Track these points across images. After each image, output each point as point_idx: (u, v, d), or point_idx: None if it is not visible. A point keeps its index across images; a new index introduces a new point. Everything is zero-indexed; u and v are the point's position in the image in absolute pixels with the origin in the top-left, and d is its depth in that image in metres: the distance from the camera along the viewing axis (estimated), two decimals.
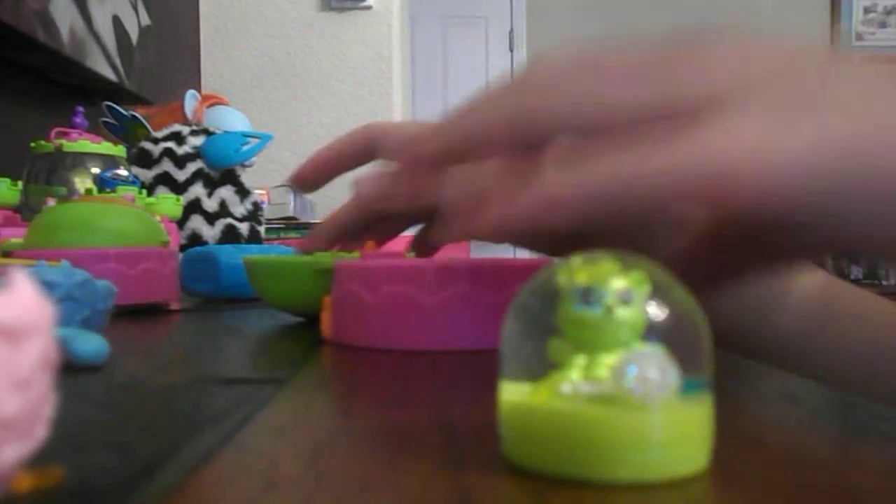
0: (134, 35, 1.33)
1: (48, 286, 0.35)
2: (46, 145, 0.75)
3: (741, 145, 0.19)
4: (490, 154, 0.23)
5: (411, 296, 0.34)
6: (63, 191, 0.73)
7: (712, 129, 0.19)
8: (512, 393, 0.19)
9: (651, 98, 0.21)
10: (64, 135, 0.77)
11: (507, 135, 0.22)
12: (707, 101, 0.20)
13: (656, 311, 0.18)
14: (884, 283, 3.11)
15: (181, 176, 0.85)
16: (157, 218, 0.65)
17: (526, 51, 3.51)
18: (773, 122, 0.19)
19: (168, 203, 0.75)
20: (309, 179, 0.43)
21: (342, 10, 1.93)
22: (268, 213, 1.28)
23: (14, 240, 0.58)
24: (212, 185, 0.87)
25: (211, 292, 0.65)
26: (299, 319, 0.49)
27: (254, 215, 0.90)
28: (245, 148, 0.88)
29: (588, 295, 0.18)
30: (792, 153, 0.19)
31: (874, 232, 0.21)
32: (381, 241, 0.44)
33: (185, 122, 0.97)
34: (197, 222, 0.84)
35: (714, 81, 0.20)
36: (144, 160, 0.87)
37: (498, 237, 0.22)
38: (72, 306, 0.36)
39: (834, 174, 0.19)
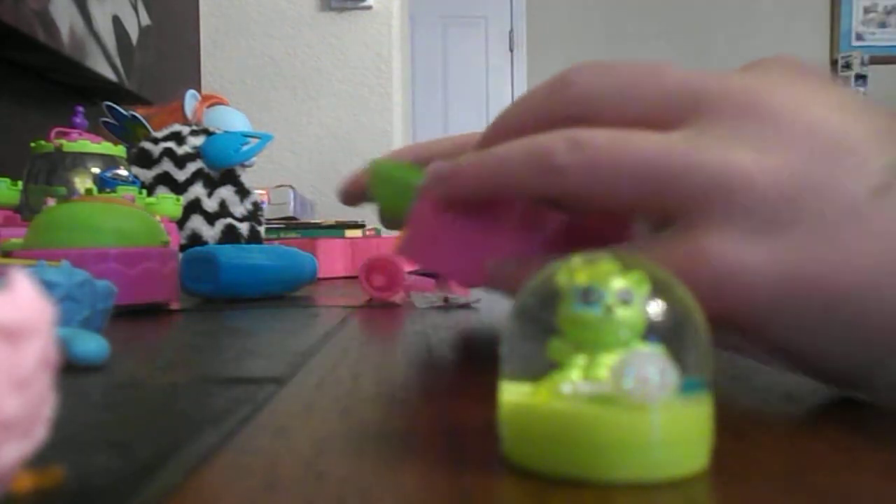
0: (134, 35, 1.33)
1: (48, 286, 0.35)
2: (46, 145, 0.75)
3: (727, 261, 0.20)
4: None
5: (480, 234, 0.29)
6: (63, 191, 0.73)
7: (695, 244, 0.20)
8: (512, 393, 0.19)
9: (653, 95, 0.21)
10: (64, 135, 0.77)
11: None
12: (688, 115, 0.20)
13: (656, 311, 0.18)
14: None
15: (181, 176, 0.85)
16: (157, 218, 0.65)
17: (526, 51, 3.50)
18: (749, 235, 0.19)
19: (168, 203, 0.75)
20: (352, 195, 0.42)
21: (342, 10, 1.93)
22: (268, 213, 1.28)
23: (14, 240, 0.58)
24: (212, 185, 0.87)
25: (211, 292, 0.65)
26: (299, 319, 0.50)
27: (254, 215, 0.90)
28: (245, 148, 0.88)
29: (588, 295, 0.18)
30: (763, 267, 0.19)
31: (801, 343, 0.21)
32: None
33: (185, 122, 0.97)
34: (197, 222, 0.84)
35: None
36: (144, 160, 0.87)
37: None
38: (72, 306, 0.36)
39: (802, 287, 0.20)
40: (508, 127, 0.25)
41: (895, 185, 0.19)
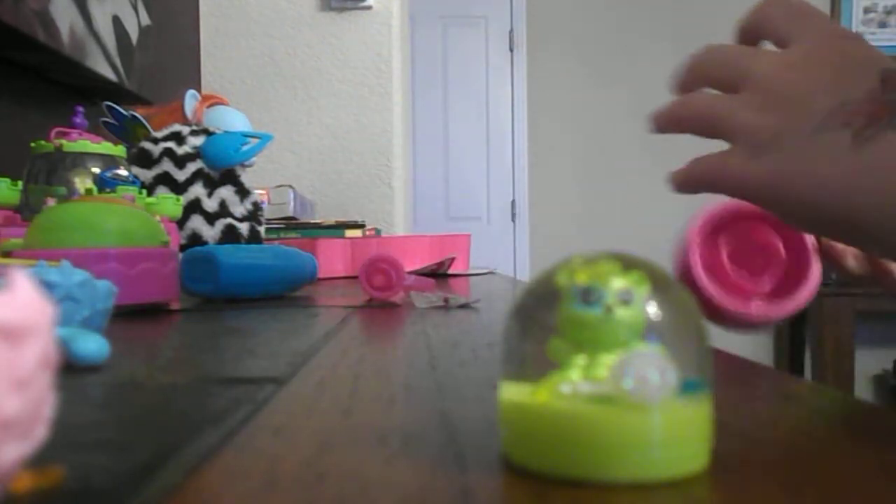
0: (134, 35, 1.33)
1: (48, 286, 0.35)
2: (46, 145, 0.75)
3: (730, 166, 0.34)
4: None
5: None
6: (63, 191, 0.73)
7: (718, 159, 0.34)
8: (512, 393, 0.19)
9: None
10: (64, 135, 0.77)
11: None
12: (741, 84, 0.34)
13: (656, 311, 0.18)
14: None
15: (181, 176, 0.85)
16: (157, 218, 0.65)
17: (526, 51, 3.50)
18: (747, 157, 0.33)
19: (168, 203, 0.75)
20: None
21: (342, 10, 1.93)
22: (268, 213, 1.28)
23: (14, 240, 0.58)
24: (212, 185, 0.87)
25: (211, 292, 0.65)
26: (299, 319, 0.49)
27: (254, 215, 0.90)
28: (245, 148, 0.88)
29: (588, 295, 0.18)
30: (749, 174, 0.33)
31: (793, 214, 0.33)
32: None
33: (185, 122, 0.97)
34: (197, 222, 0.84)
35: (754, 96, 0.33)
36: (144, 160, 0.87)
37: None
38: (72, 306, 0.36)
39: (770, 186, 0.32)
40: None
41: (830, 126, 0.30)
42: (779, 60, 0.33)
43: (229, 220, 0.86)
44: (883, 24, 3.60)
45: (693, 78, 0.37)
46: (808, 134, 0.31)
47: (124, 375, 0.31)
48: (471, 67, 3.54)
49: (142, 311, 0.54)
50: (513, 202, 3.49)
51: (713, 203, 0.42)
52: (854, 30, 3.62)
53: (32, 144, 0.76)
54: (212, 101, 1.13)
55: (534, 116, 3.51)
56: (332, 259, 1.07)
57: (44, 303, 0.13)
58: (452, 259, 1.09)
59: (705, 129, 0.35)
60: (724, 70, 0.35)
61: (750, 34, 0.37)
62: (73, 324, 0.36)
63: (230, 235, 0.86)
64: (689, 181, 0.35)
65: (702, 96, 0.36)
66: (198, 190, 0.85)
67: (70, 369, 0.31)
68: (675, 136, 0.38)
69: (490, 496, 0.16)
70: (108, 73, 1.19)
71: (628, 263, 0.18)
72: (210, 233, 0.84)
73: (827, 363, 2.75)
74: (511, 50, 3.52)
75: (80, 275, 0.37)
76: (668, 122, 0.37)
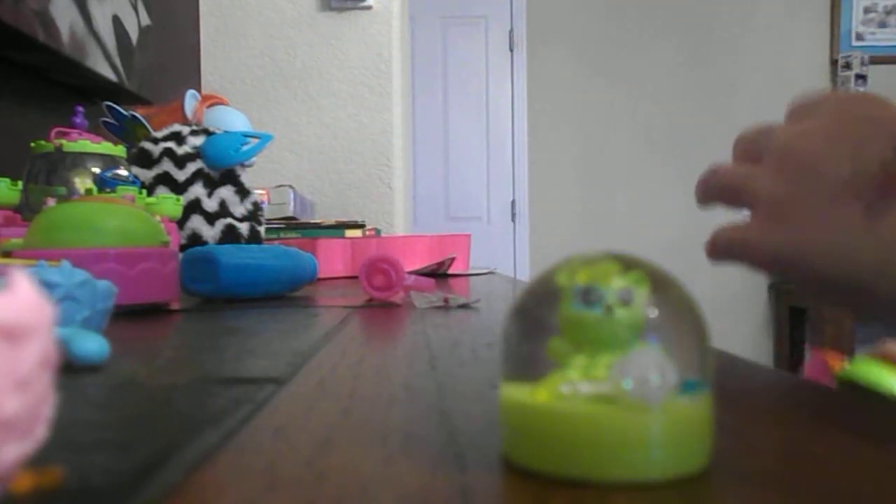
0: (134, 35, 1.33)
1: (48, 286, 0.35)
2: (46, 145, 0.75)
3: (748, 237, 0.34)
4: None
5: None
6: (63, 191, 0.73)
7: (737, 231, 0.35)
8: (512, 393, 0.19)
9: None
10: (64, 135, 0.77)
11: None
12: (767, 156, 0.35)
13: (656, 311, 0.18)
14: None
15: (181, 176, 0.85)
16: (157, 218, 0.65)
17: (526, 51, 3.50)
18: (763, 227, 0.33)
19: (168, 203, 0.75)
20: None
21: (342, 10, 1.93)
22: (268, 213, 1.28)
23: (14, 240, 0.58)
24: (212, 185, 0.87)
25: (211, 292, 0.65)
26: (299, 319, 0.49)
27: (254, 215, 0.90)
28: (245, 148, 0.88)
29: (588, 295, 0.18)
30: (764, 244, 0.33)
31: (804, 278, 0.33)
32: None
33: (185, 122, 0.97)
34: (197, 222, 0.84)
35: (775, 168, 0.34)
36: (144, 160, 0.87)
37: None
38: (72, 306, 0.36)
39: (783, 256, 0.33)
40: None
41: (842, 197, 0.30)
42: (795, 130, 0.34)
43: (229, 220, 0.86)
44: (883, 24, 3.60)
45: (735, 155, 0.38)
46: (822, 205, 0.31)
47: (124, 375, 0.31)
48: (471, 67, 3.54)
49: (142, 311, 0.54)
50: (513, 202, 3.49)
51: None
52: (854, 30, 3.62)
53: (32, 144, 0.76)
54: (212, 101, 1.13)
55: (534, 116, 3.50)
56: (332, 259, 1.07)
57: (44, 303, 0.13)
58: (452, 259, 1.09)
59: (730, 198, 0.36)
60: (751, 143, 0.36)
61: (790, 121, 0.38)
62: (73, 324, 0.36)
63: (230, 235, 0.86)
64: (716, 252, 0.36)
65: (727, 166, 0.36)
66: (198, 190, 0.85)
67: (70, 369, 0.31)
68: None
69: (490, 496, 0.16)
70: (108, 73, 1.19)
71: (628, 263, 0.18)
72: (210, 233, 0.84)
73: None
74: (511, 50, 3.52)
75: (80, 275, 0.37)
76: (703, 193, 0.38)
